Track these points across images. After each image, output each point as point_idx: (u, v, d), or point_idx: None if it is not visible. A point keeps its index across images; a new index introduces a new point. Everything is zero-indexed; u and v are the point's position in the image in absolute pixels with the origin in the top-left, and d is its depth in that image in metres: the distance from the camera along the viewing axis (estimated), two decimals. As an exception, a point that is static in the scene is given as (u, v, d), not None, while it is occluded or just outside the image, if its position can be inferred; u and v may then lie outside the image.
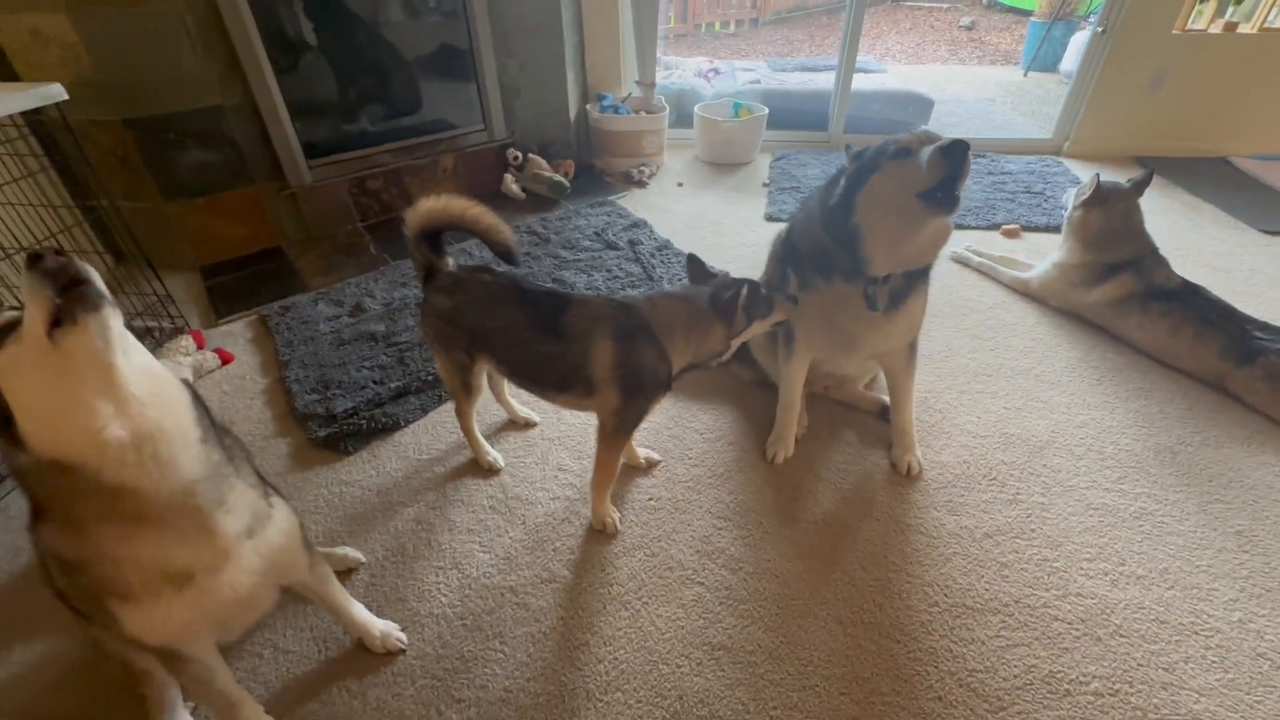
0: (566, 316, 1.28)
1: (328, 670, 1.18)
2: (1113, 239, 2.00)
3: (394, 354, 1.98)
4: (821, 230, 1.35)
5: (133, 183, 2.26)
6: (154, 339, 2.01)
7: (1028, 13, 6.02)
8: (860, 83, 3.58)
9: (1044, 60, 5.14)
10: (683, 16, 7.18)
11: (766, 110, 3.41)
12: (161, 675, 1.09)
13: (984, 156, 3.40)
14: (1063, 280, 2.09)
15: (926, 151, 1.16)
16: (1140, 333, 1.92)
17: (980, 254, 2.41)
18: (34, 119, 1.84)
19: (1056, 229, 2.64)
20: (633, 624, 1.24)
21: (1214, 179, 3.07)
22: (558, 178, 3.00)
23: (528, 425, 1.72)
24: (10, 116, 1.69)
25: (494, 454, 1.60)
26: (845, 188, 1.29)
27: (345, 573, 1.34)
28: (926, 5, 8.22)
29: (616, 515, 1.44)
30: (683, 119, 3.74)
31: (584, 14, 3.25)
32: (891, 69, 5.23)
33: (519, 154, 3.05)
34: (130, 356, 0.73)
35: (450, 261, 1.41)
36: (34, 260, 0.67)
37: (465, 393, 1.44)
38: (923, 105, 3.66)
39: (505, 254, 1.37)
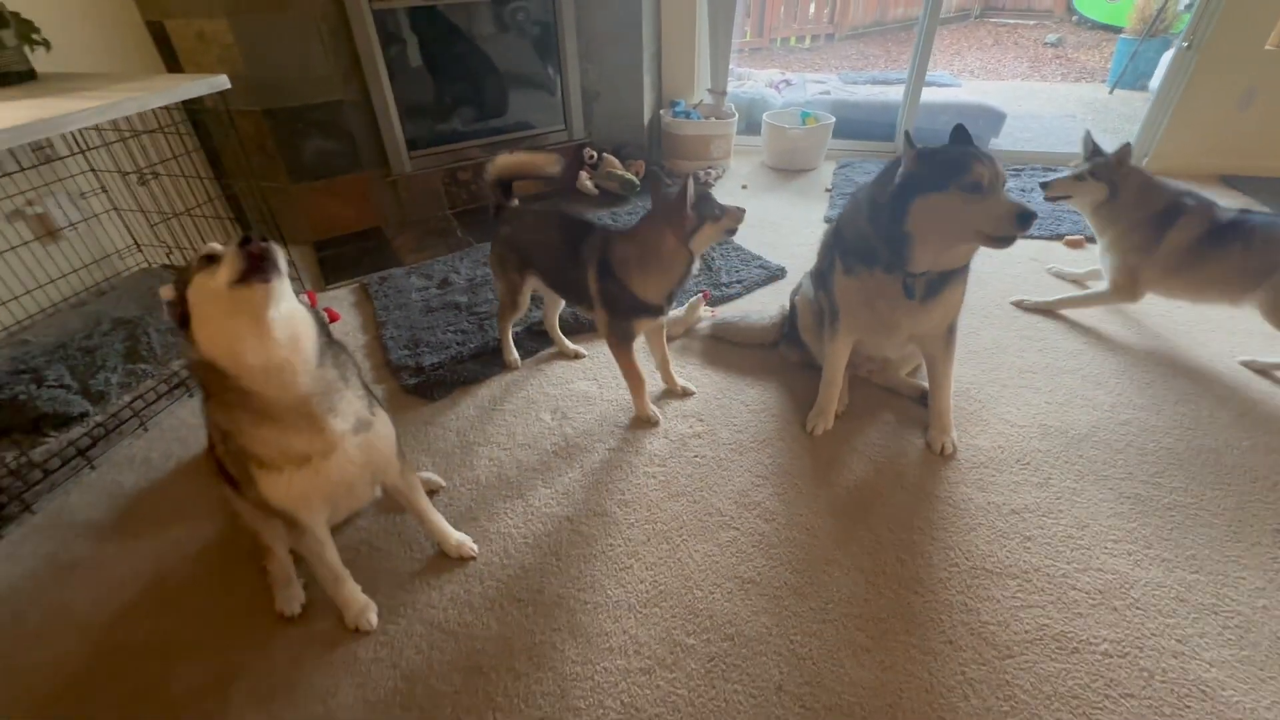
0: (583, 243, 1.60)
1: (412, 566, 1.39)
2: (1137, 191, 1.95)
3: (474, 321, 2.22)
4: (868, 223, 1.44)
5: (266, 165, 2.62)
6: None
7: (1118, 30, 5.83)
8: (931, 95, 3.63)
9: (1132, 78, 4.97)
10: (759, 31, 7.32)
11: (833, 119, 3.52)
12: (282, 552, 1.33)
13: (1054, 169, 3.37)
14: (1129, 256, 1.96)
15: (1002, 205, 1.23)
16: (1222, 268, 1.82)
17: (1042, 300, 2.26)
18: (191, 107, 2.19)
19: (1124, 242, 2.63)
20: (673, 555, 1.40)
21: (1306, 200, 2.95)
22: (629, 176, 3.21)
23: (576, 356, 2.05)
24: (171, 105, 2.04)
25: (516, 355, 2.01)
26: (902, 191, 1.33)
27: (429, 494, 1.55)
28: (1011, 22, 8.04)
29: (656, 410, 1.75)
30: (751, 127, 3.89)
31: (663, 26, 3.47)
32: (966, 83, 5.19)
33: (595, 153, 3.28)
34: (280, 307, 0.92)
35: (515, 201, 1.77)
36: (244, 241, 0.89)
37: (511, 307, 1.86)
38: (993, 118, 3.66)
39: (553, 189, 1.73)
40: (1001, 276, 2.44)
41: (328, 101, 2.61)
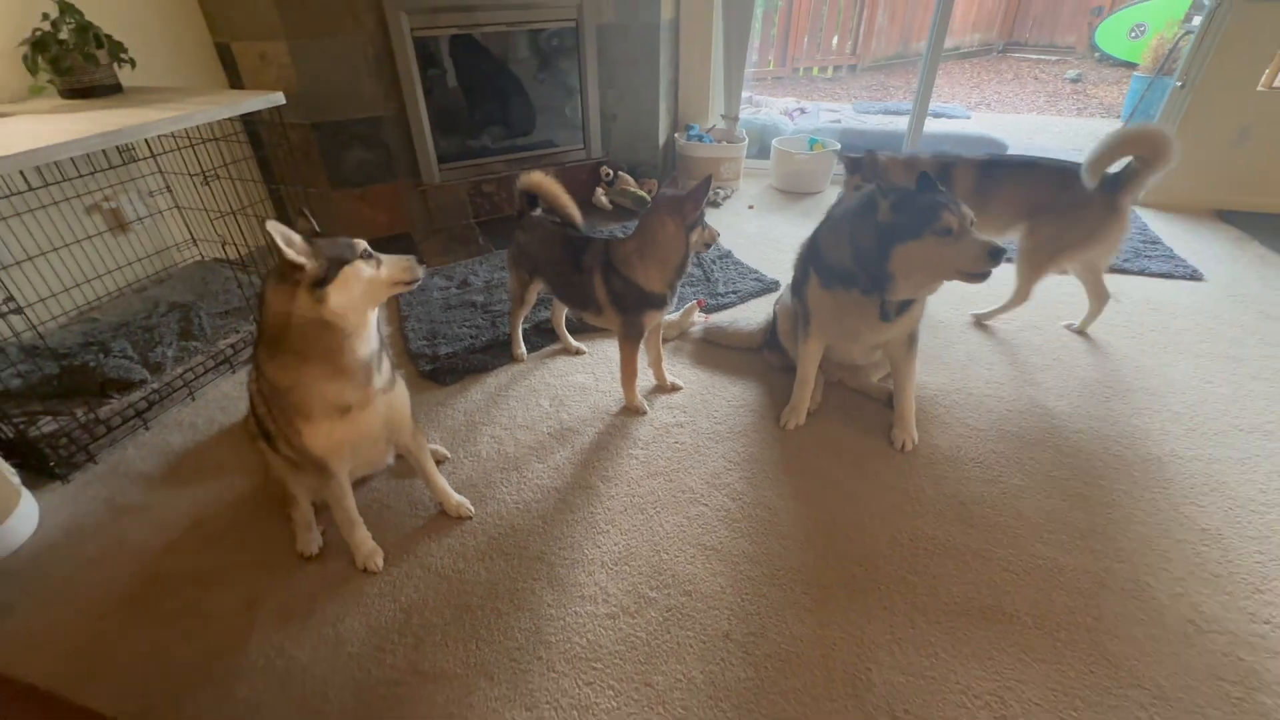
0: (585, 254, 1.80)
1: (416, 522, 1.58)
2: (904, 169, 2.26)
3: (488, 319, 2.43)
4: (851, 259, 1.57)
5: (311, 172, 2.89)
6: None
7: (1136, 66, 5.92)
8: (938, 127, 3.79)
9: (1144, 113, 5.05)
10: (782, 60, 7.57)
11: (840, 146, 3.70)
12: (304, 502, 1.53)
13: (1052, 200, 3.50)
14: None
15: (974, 245, 1.38)
16: (1000, 204, 2.15)
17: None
18: (247, 119, 2.47)
19: (1110, 268, 2.75)
20: (645, 524, 1.56)
21: (1298, 235, 3.02)
22: (641, 193, 3.43)
23: (578, 353, 2.25)
24: (231, 116, 2.32)
25: (524, 350, 2.22)
26: (883, 238, 1.46)
27: (436, 463, 1.74)
28: (1034, 57, 8.17)
29: (644, 402, 1.94)
30: (763, 151, 4.09)
31: (680, 54, 3.71)
32: (976, 116, 5.34)
33: (611, 171, 3.51)
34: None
35: (538, 210, 1.98)
36: (418, 259, 1.26)
37: (519, 304, 2.12)
38: (994, 148, 3.79)
39: (569, 223, 1.94)
40: (986, 298, 2.56)
41: (369, 117, 2.88)
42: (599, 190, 3.50)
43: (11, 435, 1.67)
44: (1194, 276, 2.69)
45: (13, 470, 1.60)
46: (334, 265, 1.13)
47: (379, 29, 2.74)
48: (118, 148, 2.33)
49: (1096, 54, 7.52)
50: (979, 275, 1.42)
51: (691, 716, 1.17)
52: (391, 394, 1.34)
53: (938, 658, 1.25)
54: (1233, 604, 1.35)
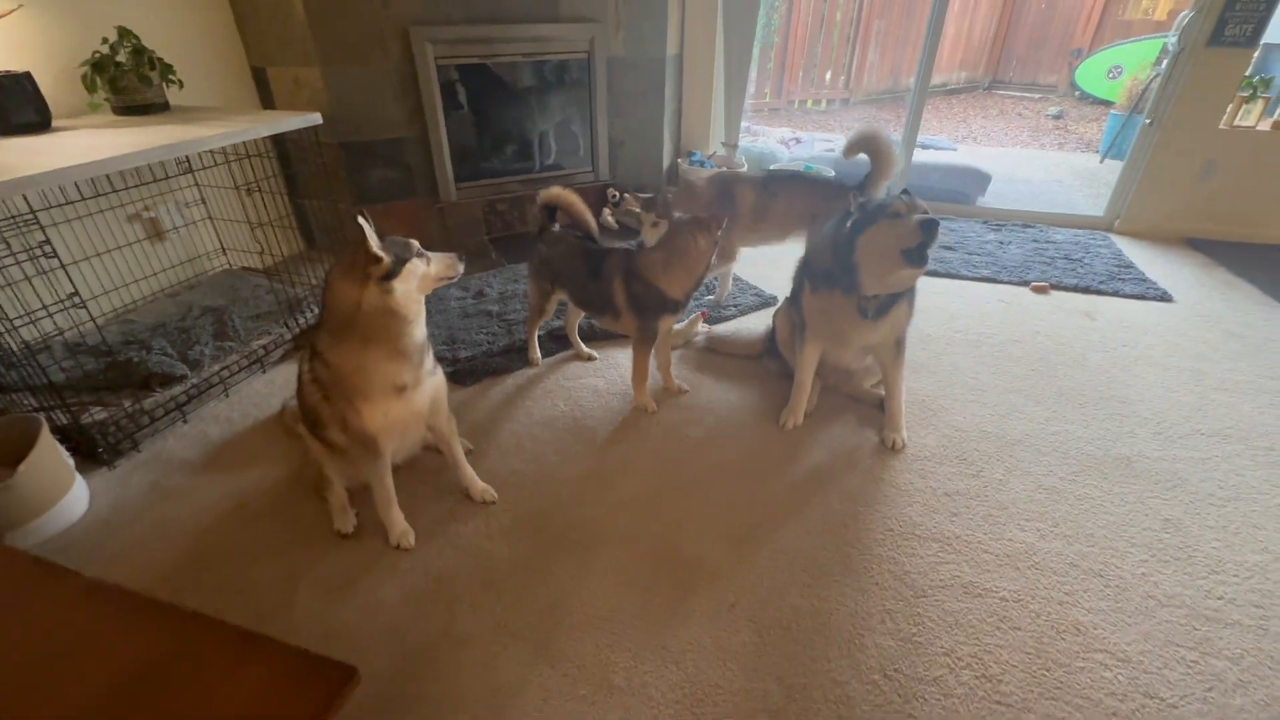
0: (603, 264, 1.96)
1: (443, 507, 1.71)
2: (688, 197, 2.54)
3: (503, 326, 2.58)
4: (830, 257, 1.81)
5: (336, 189, 3.06)
6: (335, 299, 2.73)
7: (1113, 105, 6.25)
8: (926, 157, 4.02)
9: (1120, 148, 5.33)
10: (778, 93, 7.90)
11: (833, 173, 3.91)
12: (340, 484, 1.65)
13: (1033, 226, 3.72)
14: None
15: (910, 222, 1.59)
16: (778, 214, 2.51)
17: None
18: (277, 138, 2.64)
19: (1085, 289, 2.95)
20: (654, 508, 1.69)
21: (1260, 263, 3.23)
22: (646, 214, 3.61)
23: (590, 359, 2.38)
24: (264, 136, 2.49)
25: (539, 354, 2.37)
26: (851, 230, 1.72)
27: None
28: (1017, 95, 8.55)
29: (652, 402, 2.10)
30: (760, 177, 4.30)
31: (684, 86, 3.94)
32: (962, 148, 5.60)
33: (617, 193, 3.70)
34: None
35: (556, 226, 2.15)
36: (461, 257, 1.44)
37: (538, 314, 2.28)
38: (979, 178, 4.03)
39: (587, 234, 2.12)
40: (971, 314, 2.75)
41: (392, 138, 3.06)
42: (606, 210, 3.68)
43: (66, 422, 1.78)
44: (1164, 298, 2.88)
45: (67, 454, 1.71)
46: (399, 262, 1.28)
47: (405, 57, 2.93)
48: (160, 161, 2.48)
49: (1076, 93, 7.89)
50: (916, 251, 1.59)
51: (702, 674, 1.28)
52: (434, 378, 1.49)
53: (923, 625, 1.38)
54: (1191, 583, 1.49)
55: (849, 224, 1.74)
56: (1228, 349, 2.47)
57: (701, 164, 3.91)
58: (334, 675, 0.72)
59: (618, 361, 2.37)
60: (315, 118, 2.36)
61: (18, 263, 1.61)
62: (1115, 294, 2.92)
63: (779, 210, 2.50)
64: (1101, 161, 5.49)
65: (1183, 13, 3.30)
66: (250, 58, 2.89)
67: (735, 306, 2.77)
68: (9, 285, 1.63)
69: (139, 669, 0.74)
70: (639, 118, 3.68)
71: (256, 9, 2.75)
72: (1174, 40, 3.37)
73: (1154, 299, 2.88)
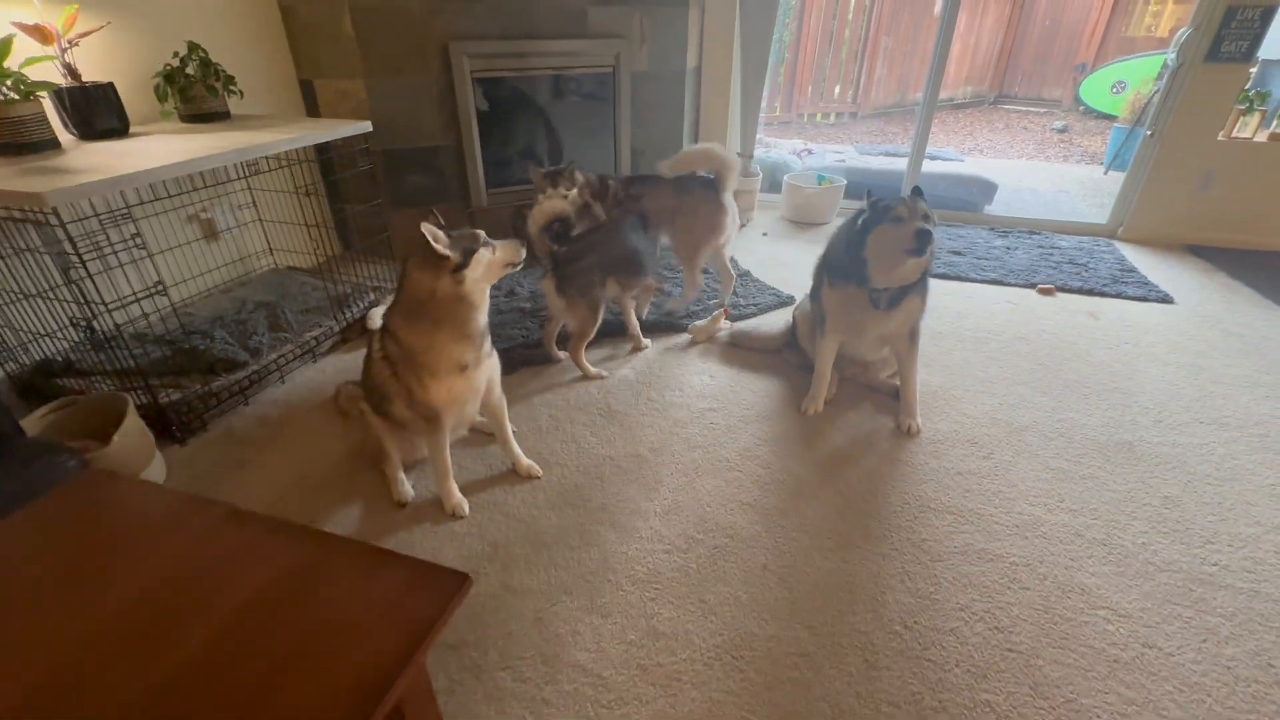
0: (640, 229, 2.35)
1: (491, 479, 1.85)
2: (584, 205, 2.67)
3: (536, 323, 2.73)
4: (844, 252, 1.96)
5: (374, 193, 3.23)
6: (375, 299, 2.89)
7: (1116, 119, 6.40)
8: (934, 167, 4.17)
9: (1124, 160, 5.47)
10: (788, 107, 8.10)
11: (845, 182, 4.07)
12: (396, 457, 1.79)
13: (1038, 233, 3.86)
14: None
15: (909, 228, 1.77)
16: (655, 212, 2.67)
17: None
18: (320, 146, 2.80)
19: (1090, 291, 3.08)
20: (689, 485, 1.83)
21: (1259, 268, 3.35)
22: (666, 219, 3.77)
23: (638, 350, 2.56)
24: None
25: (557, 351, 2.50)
26: (861, 229, 1.89)
27: (503, 435, 2.02)
28: (1023, 109, 8.73)
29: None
30: (774, 186, 4.47)
31: (702, 99, 4.12)
32: (969, 159, 5.76)
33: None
34: None
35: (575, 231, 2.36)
36: (522, 243, 1.55)
37: (594, 324, 2.33)
38: (986, 188, 4.18)
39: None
40: (980, 314, 2.88)
41: (429, 146, 3.24)
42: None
43: (145, 401, 1.94)
44: (1165, 300, 3.01)
45: (147, 430, 1.87)
46: (468, 253, 1.43)
47: (443, 70, 3.11)
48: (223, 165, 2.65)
49: (1081, 107, 8.06)
50: (915, 251, 1.77)
51: (738, 624, 1.41)
52: (491, 359, 1.64)
53: (940, 585, 1.51)
54: (1188, 551, 1.61)
55: (861, 225, 1.89)
56: (1227, 347, 2.59)
57: (718, 173, 4.07)
58: (451, 580, 0.86)
59: (649, 356, 2.51)
60: (366, 125, 2.53)
61: (114, 251, 1.77)
62: (1118, 296, 3.05)
63: (645, 206, 2.70)
64: (1106, 173, 5.64)
65: (1181, 30, 3.46)
66: (299, 71, 3.08)
67: (755, 305, 2.91)
68: (106, 272, 1.78)
69: (286, 575, 0.88)
70: (659, 127, 3.85)
71: (309, 27, 2.94)
72: (1173, 56, 3.52)
73: (1156, 300, 3.00)
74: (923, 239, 1.74)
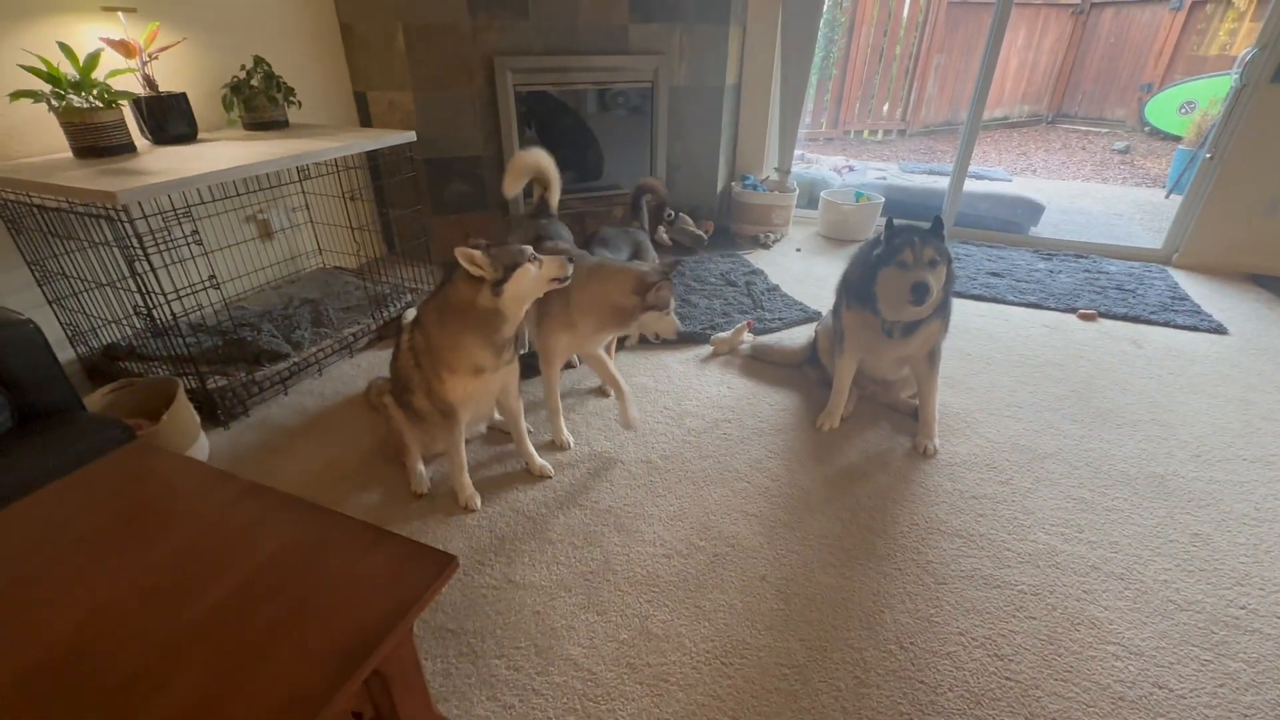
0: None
1: (505, 477, 1.91)
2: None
3: (563, 328, 2.80)
4: (859, 279, 1.97)
5: (418, 199, 3.39)
6: (411, 300, 3.03)
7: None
8: (977, 186, 4.08)
9: (1186, 183, 5.23)
10: (834, 123, 8.05)
11: (883, 199, 4.03)
12: (416, 451, 1.88)
13: (1085, 257, 3.73)
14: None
15: (910, 279, 1.77)
16: None
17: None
18: (370, 154, 2.97)
19: (1134, 318, 2.97)
20: (696, 492, 1.85)
21: (1329, 300, 3.15)
22: (699, 232, 3.82)
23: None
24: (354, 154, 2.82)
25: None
26: (874, 262, 1.89)
27: (520, 434, 2.09)
28: (1082, 129, 8.42)
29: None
30: (811, 202, 4.46)
31: (741, 114, 4.16)
32: (1018, 179, 5.60)
33: (672, 212, 3.92)
34: None
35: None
36: (567, 260, 1.60)
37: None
38: (1032, 209, 4.06)
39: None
40: (1014, 337, 2.81)
41: (470, 156, 3.38)
42: (661, 228, 3.90)
43: (194, 386, 2.09)
44: (1218, 330, 2.86)
45: (194, 412, 2.01)
46: (509, 270, 1.50)
47: (487, 84, 3.25)
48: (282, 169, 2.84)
49: (1146, 128, 7.72)
50: (913, 303, 1.77)
51: (731, 631, 1.43)
52: (509, 365, 1.70)
53: (942, 608, 1.48)
54: (1214, 592, 1.53)
55: (875, 258, 1.89)
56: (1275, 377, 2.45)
57: (755, 188, 4.10)
58: (439, 560, 0.91)
59: (664, 363, 2.55)
60: (410, 135, 2.67)
61: (173, 247, 1.92)
62: (1166, 324, 2.92)
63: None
64: (1167, 196, 5.39)
65: (1246, 49, 3.31)
66: (354, 84, 3.27)
67: (780, 320, 2.91)
68: (166, 266, 1.94)
69: (294, 545, 0.95)
70: (696, 142, 3.90)
71: (365, 42, 3.13)
72: (1237, 77, 3.37)
73: (1207, 330, 2.86)
74: (919, 292, 1.74)
